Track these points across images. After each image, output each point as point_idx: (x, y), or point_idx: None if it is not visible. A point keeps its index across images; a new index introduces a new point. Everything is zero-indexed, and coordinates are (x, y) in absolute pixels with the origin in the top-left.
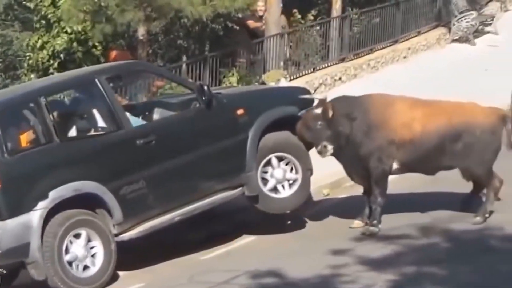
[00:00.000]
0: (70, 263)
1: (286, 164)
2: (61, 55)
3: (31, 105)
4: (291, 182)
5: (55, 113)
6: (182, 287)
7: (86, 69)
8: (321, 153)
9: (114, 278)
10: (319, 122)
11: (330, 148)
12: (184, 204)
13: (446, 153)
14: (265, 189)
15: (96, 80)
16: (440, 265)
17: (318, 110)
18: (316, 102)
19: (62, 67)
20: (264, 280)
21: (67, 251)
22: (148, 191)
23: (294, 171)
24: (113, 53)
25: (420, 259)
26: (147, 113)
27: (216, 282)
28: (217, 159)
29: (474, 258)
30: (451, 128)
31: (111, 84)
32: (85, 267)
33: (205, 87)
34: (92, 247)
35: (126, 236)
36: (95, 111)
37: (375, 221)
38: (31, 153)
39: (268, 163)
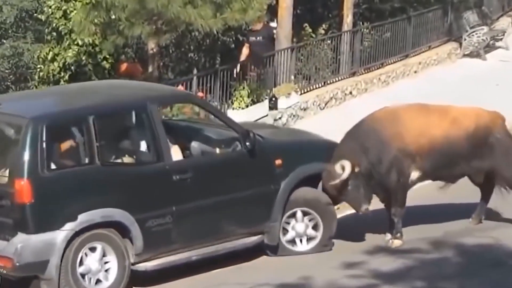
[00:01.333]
0: (83, 276)
1: (310, 220)
2: (72, 67)
3: (80, 123)
4: (309, 238)
5: (100, 135)
6: None
7: (138, 90)
8: (364, 213)
9: None
10: (350, 183)
11: (369, 207)
12: (204, 244)
13: (472, 157)
14: (283, 239)
15: (148, 108)
16: (451, 279)
17: (343, 173)
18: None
19: (73, 79)
20: None
21: (81, 263)
22: (173, 227)
23: (316, 228)
24: (124, 66)
25: (431, 273)
26: (185, 142)
27: None
28: (246, 205)
29: (485, 273)
30: (474, 131)
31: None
32: (98, 281)
33: (252, 135)
34: (106, 262)
35: (141, 266)
36: (139, 138)
37: (399, 234)
38: (70, 172)
39: (293, 215)
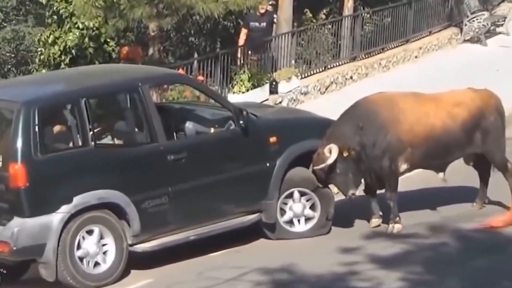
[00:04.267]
0: (81, 259)
1: (307, 200)
2: (73, 51)
3: (72, 105)
4: (307, 218)
5: (93, 117)
6: (190, 283)
7: (129, 72)
8: (350, 198)
9: (123, 273)
10: (337, 166)
11: (357, 192)
12: (201, 224)
13: (466, 143)
14: (281, 220)
15: (140, 89)
16: (448, 264)
17: (330, 157)
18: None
19: (73, 63)
20: (273, 277)
21: (79, 246)
22: (169, 207)
23: (313, 208)
24: (125, 49)
25: (429, 258)
26: (179, 123)
27: (224, 279)
28: (242, 183)
29: (482, 257)
30: (469, 118)
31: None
32: (96, 264)
33: (245, 113)
34: (104, 244)
35: (139, 248)
36: (132, 119)
37: (397, 218)
38: (64, 155)
39: (290, 195)
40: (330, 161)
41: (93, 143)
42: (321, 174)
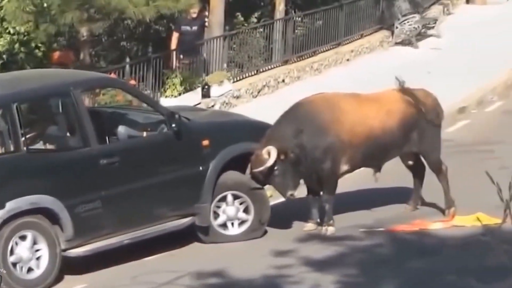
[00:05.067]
0: (14, 264)
1: (241, 204)
2: (4, 56)
3: (3, 110)
4: (240, 221)
5: (24, 121)
6: None
7: (61, 76)
8: (289, 199)
9: (57, 278)
10: (276, 168)
11: (296, 194)
12: (135, 228)
13: (403, 143)
14: (215, 223)
15: (72, 93)
16: (382, 266)
17: (268, 158)
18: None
19: (4, 68)
20: (208, 280)
21: (12, 252)
22: (103, 212)
23: (247, 211)
24: (56, 54)
25: (363, 260)
26: (112, 127)
27: (159, 283)
28: (175, 186)
29: (417, 259)
30: (405, 116)
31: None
32: (29, 269)
33: (177, 116)
34: (37, 250)
35: (72, 253)
36: (64, 124)
37: (331, 221)
38: None
39: (223, 198)
40: (269, 163)
41: (25, 148)
42: (259, 176)
